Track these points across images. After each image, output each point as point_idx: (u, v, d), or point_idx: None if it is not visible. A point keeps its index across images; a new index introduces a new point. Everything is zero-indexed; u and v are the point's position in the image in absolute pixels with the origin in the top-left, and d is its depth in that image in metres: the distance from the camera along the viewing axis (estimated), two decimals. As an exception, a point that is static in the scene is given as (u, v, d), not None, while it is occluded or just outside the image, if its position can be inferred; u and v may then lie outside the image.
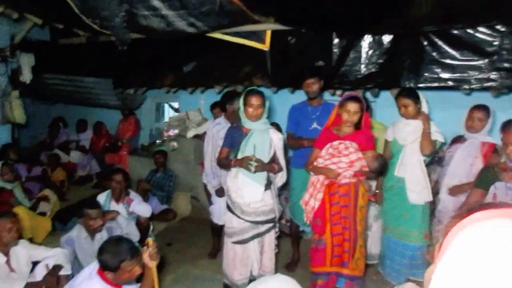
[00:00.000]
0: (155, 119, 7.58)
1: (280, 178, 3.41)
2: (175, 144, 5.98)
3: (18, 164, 5.22)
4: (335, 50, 4.28)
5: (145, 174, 5.79)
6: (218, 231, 4.17)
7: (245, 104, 3.12)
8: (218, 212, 4.01)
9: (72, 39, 5.65)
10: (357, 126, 3.11)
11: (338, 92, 4.54)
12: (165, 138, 6.44)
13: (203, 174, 4.98)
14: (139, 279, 2.59)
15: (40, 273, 2.87)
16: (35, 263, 2.99)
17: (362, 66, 4.21)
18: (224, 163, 3.24)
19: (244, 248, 3.20)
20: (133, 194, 4.17)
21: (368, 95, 4.63)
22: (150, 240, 2.45)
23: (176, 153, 5.94)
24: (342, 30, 4.21)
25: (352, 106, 3.00)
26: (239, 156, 3.13)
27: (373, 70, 4.19)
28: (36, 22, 5.04)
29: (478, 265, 0.65)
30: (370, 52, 4.15)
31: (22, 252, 2.92)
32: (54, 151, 6.62)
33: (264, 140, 3.18)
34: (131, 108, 6.81)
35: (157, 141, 6.79)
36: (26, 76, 5.75)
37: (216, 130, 3.92)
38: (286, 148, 3.63)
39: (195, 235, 4.92)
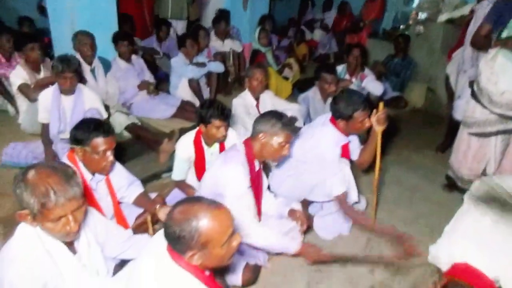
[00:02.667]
0: (403, 2, 6.95)
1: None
2: (421, 28, 5.40)
3: (272, 34, 5.85)
4: None
5: (382, 58, 5.58)
6: (455, 128, 3.75)
7: None
8: (463, 108, 3.54)
9: None
10: None
11: None
12: (410, 22, 5.89)
13: (448, 64, 4.43)
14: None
15: (279, 121, 3.33)
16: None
17: None
18: (482, 42, 2.73)
19: (481, 143, 2.80)
20: (367, 71, 4.12)
21: None
22: (381, 104, 2.42)
23: (420, 39, 5.41)
24: None
25: None
26: (505, 35, 2.55)
27: None
28: None
29: None
30: None
31: (268, 100, 3.42)
32: (301, 28, 7.09)
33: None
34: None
35: (401, 27, 6.33)
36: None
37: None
38: None
39: (423, 127, 4.66)
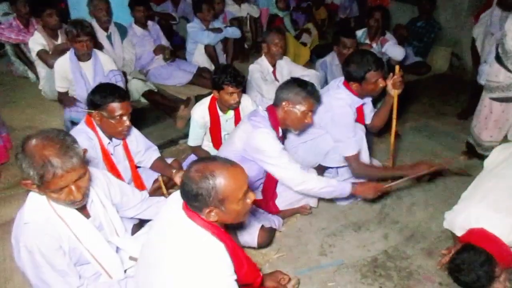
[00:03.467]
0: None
1: None
2: (447, -12, 5.14)
3: (290, -3, 5.68)
4: None
5: (405, 21, 5.35)
6: (479, 94, 3.62)
7: None
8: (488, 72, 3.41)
9: None
10: None
11: None
12: (436, -18, 5.59)
13: (474, 27, 4.22)
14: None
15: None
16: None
17: None
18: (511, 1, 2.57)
19: (504, 108, 2.71)
20: (389, 35, 3.96)
21: None
22: (397, 67, 2.34)
23: (446, 0, 5.14)
24: None
25: None
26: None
27: None
28: None
29: None
30: None
31: (285, 67, 3.36)
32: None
33: None
34: None
35: (427, -13, 6.01)
36: None
37: None
38: None
39: (446, 93, 4.52)
